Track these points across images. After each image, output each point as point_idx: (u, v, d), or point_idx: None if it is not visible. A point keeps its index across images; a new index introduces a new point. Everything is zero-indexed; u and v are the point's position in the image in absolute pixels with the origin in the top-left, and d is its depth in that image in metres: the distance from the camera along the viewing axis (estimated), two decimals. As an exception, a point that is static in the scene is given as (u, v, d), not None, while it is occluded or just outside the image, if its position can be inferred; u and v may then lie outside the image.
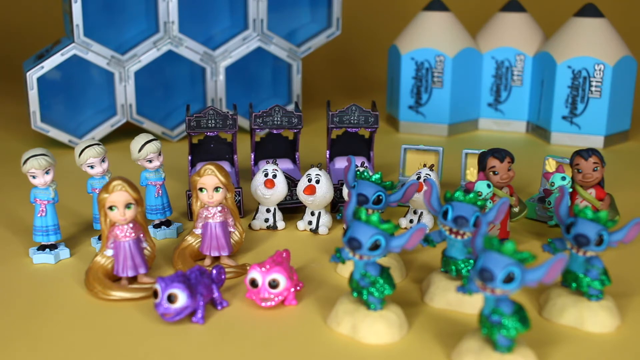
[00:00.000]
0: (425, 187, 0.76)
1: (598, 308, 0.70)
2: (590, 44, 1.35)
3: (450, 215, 0.71)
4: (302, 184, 0.91)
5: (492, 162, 0.85)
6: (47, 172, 0.82)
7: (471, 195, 0.71)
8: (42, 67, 1.30)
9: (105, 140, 1.36)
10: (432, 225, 0.95)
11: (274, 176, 0.91)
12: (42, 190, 0.83)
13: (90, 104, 1.41)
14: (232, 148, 1.07)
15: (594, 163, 0.85)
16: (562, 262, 0.57)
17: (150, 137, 0.88)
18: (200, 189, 0.80)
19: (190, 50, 1.38)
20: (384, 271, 0.67)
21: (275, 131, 1.03)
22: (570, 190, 0.88)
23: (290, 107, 1.51)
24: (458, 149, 1.12)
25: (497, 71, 1.49)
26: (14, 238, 0.92)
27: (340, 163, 1.09)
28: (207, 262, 0.83)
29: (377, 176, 0.81)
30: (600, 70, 1.34)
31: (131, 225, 0.76)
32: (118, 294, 0.75)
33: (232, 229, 0.84)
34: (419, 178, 0.92)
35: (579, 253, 0.69)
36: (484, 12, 1.77)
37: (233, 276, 0.80)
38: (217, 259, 0.84)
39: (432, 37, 1.44)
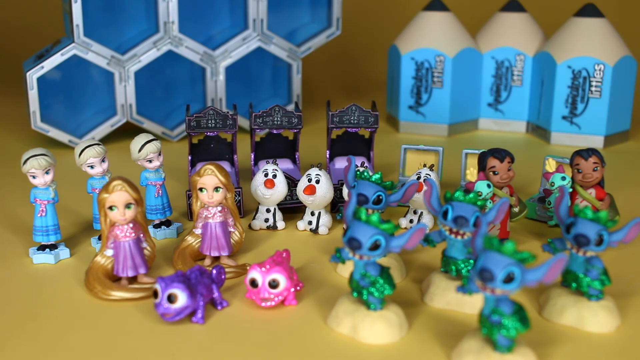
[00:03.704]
0: (425, 187, 0.76)
1: (598, 308, 0.70)
2: (590, 44, 1.35)
3: (450, 215, 0.71)
4: (302, 184, 0.91)
5: (492, 162, 0.85)
6: (47, 172, 0.82)
7: (471, 195, 0.71)
8: (42, 67, 1.30)
9: (105, 140, 1.36)
10: (432, 225, 0.95)
11: (274, 176, 0.91)
12: (42, 190, 0.83)
13: (90, 104, 1.41)
14: (232, 148, 1.07)
15: (594, 163, 0.85)
16: (562, 262, 0.57)
17: (150, 137, 0.88)
18: (200, 189, 0.80)
19: (190, 50, 1.38)
20: (384, 271, 0.67)
21: (275, 131, 1.03)
22: (570, 190, 0.88)
23: (290, 107, 1.51)
24: (458, 149, 1.12)
25: (497, 71, 1.49)
26: (14, 238, 0.92)
27: (340, 163, 1.09)
28: (207, 262, 0.83)
29: (377, 176, 0.81)
30: (600, 70, 1.34)
31: (131, 225, 0.76)
32: (118, 294, 0.75)
33: (232, 229, 0.84)
34: (419, 178, 0.92)
35: (579, 253, 0.69)
36: (484, 12, 1.77)
37: (233, 276, 0.80)
38: (217, 259, 0.84)
39: (432, 37, 1.44)
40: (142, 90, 1.40)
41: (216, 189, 0.80)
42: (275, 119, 1.02)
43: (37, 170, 0.81)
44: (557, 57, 1.37)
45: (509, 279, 0.57)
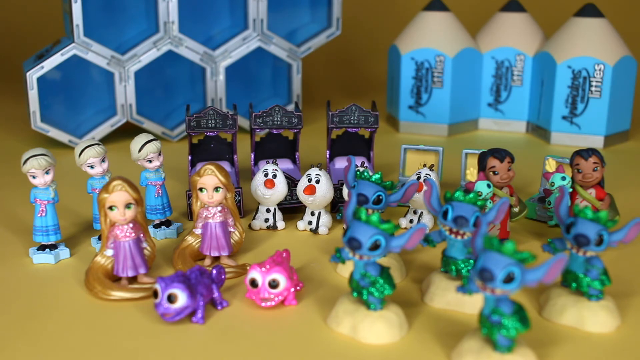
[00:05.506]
0: (425, 187, 0.76)
1: (598, 308, 0.70)
2: (590, 44, 1.35)
3: (450, 215, 0.71)
4: (302, 184, 0.91)
5: (492, 162, 0.85)
6: (47, 172, 0.82)
7: (471, 195, 0.71)
8: (42, 67, 1.30)
9: (105, 140, 1.36)
10: (432, 225, 0.95)
11: (274, 176, 0.91)
12: (42, 190, 0.83)
13: (90, 104, 1.41)
14: (232, 148, 1.07)
15: (594, 163, 0.85)
16: (562, 262, 0.57)
17: (150, 137, 0.88)
18: (200, 189, 0.80)
19: (190, 50, 1.38)
20: (384, 271, 0.67)
21: (275, 131, 1.03)
22: (570, 190, 0.88)
23: (290, 107, 1.51)
24: (458, 149, 1.12)
25: (497, 71, 1.49)
26: (14, 238, 0.92)
27: (340, 163, 1.09)
28: (207, 262, 0.83)
29: (377, 176, 0.81)
30: (600, 70, 1.34)
31: (131, 225, 0.76)
32: (118, 294, 0.75)
33: (232, 229, 0.84)
34: (419, 178, 0.92)
35: (579, 253, 0.69)
36: (484, 12, 1.77)
37: (233, 276, 0.80)
38: (217, 259, 0.84)
39: (432, 37, 1.44)
40: (142, 90, 1.40)
41: (216, 189, 0.80)
42: (275, 119, 1.02)
43: (37, 170, 0.81)
44: (557, 57, 1.37)
45: (509, 279, 0.57)
